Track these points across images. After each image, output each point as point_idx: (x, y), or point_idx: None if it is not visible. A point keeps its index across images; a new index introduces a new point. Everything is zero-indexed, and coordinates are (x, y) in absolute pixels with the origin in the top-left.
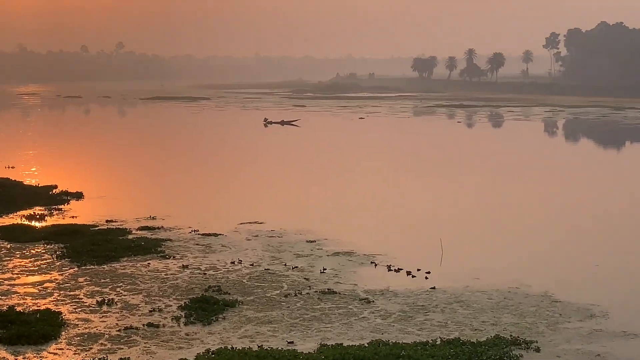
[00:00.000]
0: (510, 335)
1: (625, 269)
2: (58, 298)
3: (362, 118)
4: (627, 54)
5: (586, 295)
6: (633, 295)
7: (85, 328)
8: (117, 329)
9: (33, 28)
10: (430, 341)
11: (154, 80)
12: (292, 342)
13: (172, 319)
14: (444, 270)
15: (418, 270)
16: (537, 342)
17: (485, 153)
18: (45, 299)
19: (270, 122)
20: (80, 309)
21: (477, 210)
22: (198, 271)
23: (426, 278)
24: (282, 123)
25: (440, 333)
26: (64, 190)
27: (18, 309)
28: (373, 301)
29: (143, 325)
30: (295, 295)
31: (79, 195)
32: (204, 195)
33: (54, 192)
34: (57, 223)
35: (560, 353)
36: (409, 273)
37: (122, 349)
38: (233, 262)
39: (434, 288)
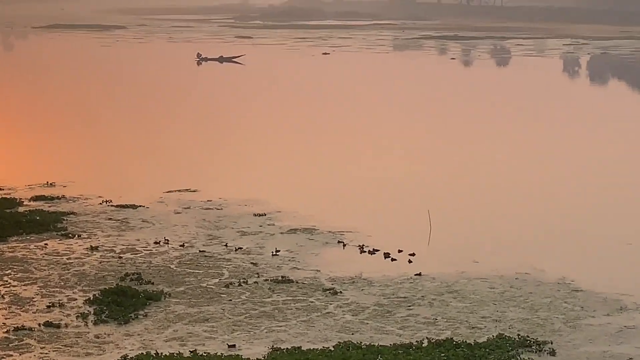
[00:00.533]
0: (518, 335)
1: None
2: None
3: (326, 54)
4: None
5: (615, 283)
6: None
7: None
8: (5, 329)
9: None
10: (415, 343)
11: (50, 2)
12: (233, 346)
13: (77, 317)
14: (433, 252)
15: (399, 251)
16: (552, 343)
17: (486, 100)
18: None
19: (205, 59)
20: None
21: (476, 174)
22: (111, 254)
23: (409, 262)
24: (221, 60)
25: (428, 332)
26: None
27: None
28: (341, 292)
29: (39, 325)
30: (240, 284)
31: None
32: (119, 156)
33: None
34: None
35: (581, 356)
36: (387, 255)
37: (12, 356)
38: (157, 242)
39: (419, 274)
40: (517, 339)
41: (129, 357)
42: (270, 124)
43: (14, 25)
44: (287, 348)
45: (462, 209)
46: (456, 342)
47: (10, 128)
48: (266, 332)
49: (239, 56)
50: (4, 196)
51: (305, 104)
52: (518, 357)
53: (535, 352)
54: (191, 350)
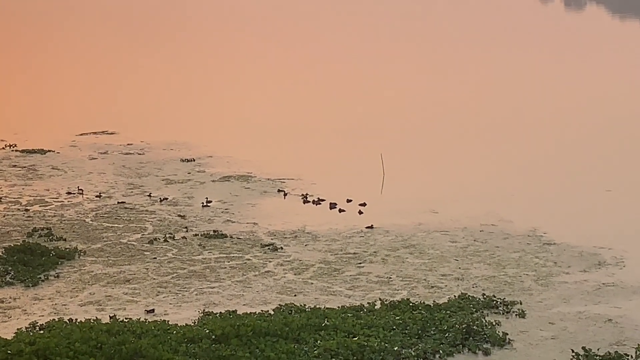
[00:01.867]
0: (483, 295)
1: None
2: None
3: None
4: None
5: (592, 235)
6: None
7: None
8: None
9: None
10: (367, 305)
11: None
12: (152, 311)
13: None
14: (386, 201)
15: (348, 201)
16: (521, 304)
17: (445, 27)
18: None
19: None
20: None
21: (435, 112)
22: (16, 206)
23: (360, 213)
24: None
25: (381, 293)
26: None
27: None
28: (281, 247)
29: None
30: (166, 240)
31: None
32: (24, 93)
33: None
34: None
35: (554, 318)
36: (334, 206)
37: None
38: (70, 193)
39: (371, 227)
40: (481, 299)
41: (38, 325)
42: (198, 54)
43: None
44: (220, 312)
45: (419, 153)
46: (413, 303)
47: None
48: (196, 295)
49: None
50: None
51: (240, 30)
52: (483, 320)
53: (503, 313)
54: (110, 315)
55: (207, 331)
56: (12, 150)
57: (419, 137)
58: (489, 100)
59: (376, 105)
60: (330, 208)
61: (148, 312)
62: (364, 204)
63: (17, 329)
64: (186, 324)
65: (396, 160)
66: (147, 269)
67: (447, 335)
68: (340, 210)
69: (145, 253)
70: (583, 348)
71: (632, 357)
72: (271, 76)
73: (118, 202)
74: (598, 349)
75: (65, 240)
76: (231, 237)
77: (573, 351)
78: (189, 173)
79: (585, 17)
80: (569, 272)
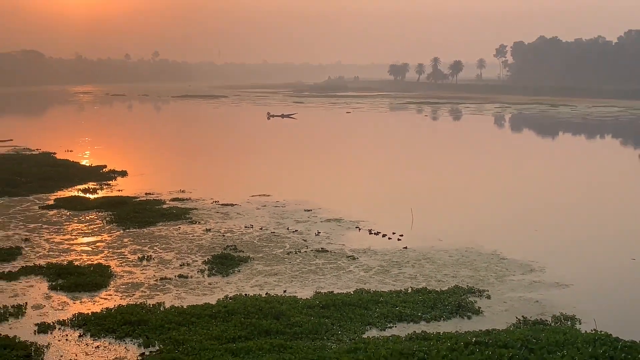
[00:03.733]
0: (467, 285)
1: (560, 232)
2: (107, 255)
3: (348, 112)
4: (560, 62)
5: (527, 254)
6: (565, 253)
7: (129, 278)
8: (154, 279)
9: (87, 39)
10: (403, 290)
11: (182, 82)
12: (285, 292)
13: (198, 272)
14: (414, 234)
15: (393, 233)
16: (488, 291)
17: (447, 140)
18: (97, 255)
19: (273, 115)
20: (124, 263)
21: (443, 184)
22: (218, 234)
23: (399, 240)
24: (282, 116)
25: (411, 283)
26: (112, 169)
27: (76, 263)
28: (357, 258)
29: (175, 276)
30: (296, 253)
31: (123, 173)
32: (222, 173)
33: (103, 170)
34: (106, 195)
35: (506, 299)
36: (384, 235)
37: (158, 295)
38: (246, 227)
39: (406, 248)
40: (466, 288)
41: (229, 296)
42: (315, 154)
43: (161, 95)
44: (324, 292)
45: (432, 207)
46: (428, 289)
47: (158, 155)
48: (312, 282)
49: (293, 114)
50: (154, 198)
51: (336, 141)
52: (467, 299)
53: (478, 296)
54: (266, 292)
55: (318, 302)
56: (216, 204)
57: (432, 200)
58: (470, 181)
59: (411, 181)
60: (383, 237)
61: (284, 292)
62: (402, 235)
63: (218, 299)
64: (306, 298)
65: (420, 212)
66: (286, 268)
67: (447, 307)
68: (389, 238)
69: (285, 260)
70: (522, 316)
71: (549, 321)
72: (356, 162)
73: (271, 232)
74: (531, 317)
75: (243, 252)
76: (331, 252)
77: (517, 317)
78: (309, 217)
79: (523, 135)
80: (514, 274)
